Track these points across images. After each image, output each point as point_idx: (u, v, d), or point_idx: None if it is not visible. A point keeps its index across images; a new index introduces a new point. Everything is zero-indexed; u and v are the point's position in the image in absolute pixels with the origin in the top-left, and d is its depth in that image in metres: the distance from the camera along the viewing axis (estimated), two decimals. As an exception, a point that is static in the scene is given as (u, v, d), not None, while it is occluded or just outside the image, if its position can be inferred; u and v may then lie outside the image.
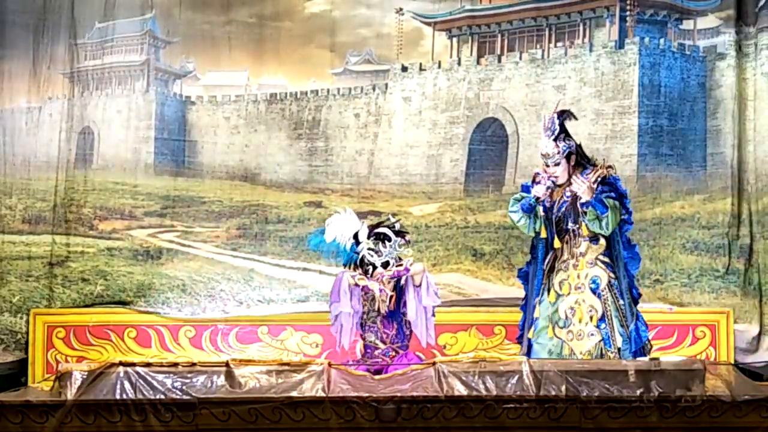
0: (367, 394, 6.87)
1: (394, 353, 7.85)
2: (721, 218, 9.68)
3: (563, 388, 6.89)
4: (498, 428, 6.86)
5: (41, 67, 10.00)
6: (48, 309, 9.54)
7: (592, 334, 7.79)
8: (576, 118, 8.13)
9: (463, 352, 9.06)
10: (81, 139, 10.12)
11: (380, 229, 7.99)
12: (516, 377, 6.94)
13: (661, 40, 9.96)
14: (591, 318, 7.81)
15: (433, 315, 8.00)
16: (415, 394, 6.89)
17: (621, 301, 7.83)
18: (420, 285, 7.87)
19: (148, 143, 10.22)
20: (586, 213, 7.81)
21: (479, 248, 9.84)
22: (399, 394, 6.87)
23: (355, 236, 7.94)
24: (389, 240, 7.93)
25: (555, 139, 7.91)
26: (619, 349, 7.75)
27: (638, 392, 6.87)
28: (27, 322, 9.40)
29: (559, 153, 7.91)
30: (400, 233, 8.02)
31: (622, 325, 7.79)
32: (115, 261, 9.88)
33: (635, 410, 6.84)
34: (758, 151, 9.66)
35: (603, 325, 7.79)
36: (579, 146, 8.01)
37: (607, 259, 7.91)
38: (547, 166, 7.94)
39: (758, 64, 9.74)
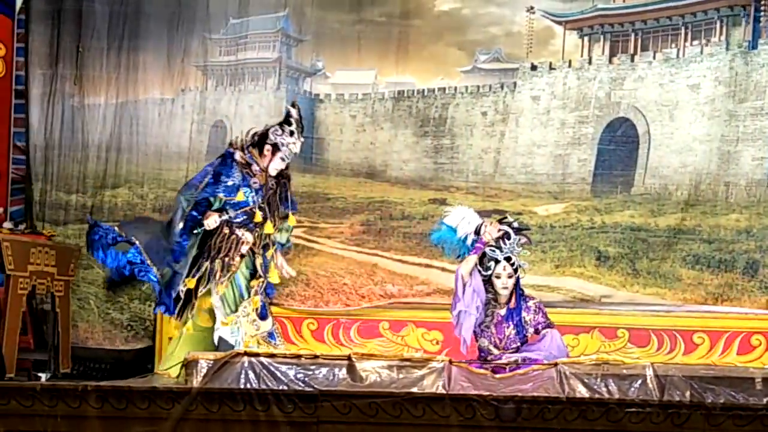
0: (487, 393, 6.83)
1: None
2: None
3: (687, 393, 6.77)
4: (619, 432, 6.77)
5: (175, 60, 10.21)
6: (176, 297, 9.71)
7: None
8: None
9: (585, 354, 8.95)
10: (213, 132, 10.30)
11: (501, 226, 7.90)
12: (639, 381, 6.85)
13: (795, 42, 9.73)
14: None
15: None
16: (536, 394, 6.84)
17: None
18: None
19: (278, 140, 10.34)
20: None
21: (604, 250, 9.70)
22: (520, 394, 6.83)
23: (477, 231, 7.86)
24: (509, 237, 7.83)
25: None
26: None
27: (765, 400, 6.72)
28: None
29: None
30: (520, 230, 7.92)
31: None
32: (242, 252, 10.01)
33: (761, 418, 6.67)
34: None
35: None
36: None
37: None
38: None
39: None
